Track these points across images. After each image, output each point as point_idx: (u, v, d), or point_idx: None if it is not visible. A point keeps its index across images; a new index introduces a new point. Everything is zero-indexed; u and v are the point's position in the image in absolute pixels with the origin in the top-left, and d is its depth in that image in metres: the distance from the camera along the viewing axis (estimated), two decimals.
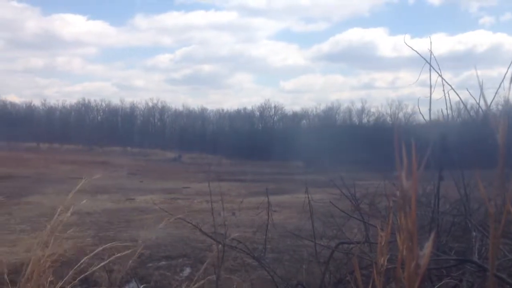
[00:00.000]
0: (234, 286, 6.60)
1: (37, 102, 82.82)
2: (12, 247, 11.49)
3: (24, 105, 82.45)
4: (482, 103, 3.56)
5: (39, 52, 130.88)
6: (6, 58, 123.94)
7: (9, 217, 16.12)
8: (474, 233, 3.84)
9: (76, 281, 2.33)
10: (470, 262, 3.41)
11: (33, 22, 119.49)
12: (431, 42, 3.63)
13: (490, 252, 1.06)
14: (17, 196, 21.09)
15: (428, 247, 1.00)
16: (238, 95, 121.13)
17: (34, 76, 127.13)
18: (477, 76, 2.19)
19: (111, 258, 2.44)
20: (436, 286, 3.33)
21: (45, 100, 79.37)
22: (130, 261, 2.56)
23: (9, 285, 2.28)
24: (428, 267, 1.00)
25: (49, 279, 2.10)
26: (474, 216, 4.28)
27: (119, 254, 2.51)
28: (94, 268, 2.41)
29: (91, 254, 2.55)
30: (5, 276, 2.49)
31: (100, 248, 2.52)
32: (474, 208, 4.52)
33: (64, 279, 2.29)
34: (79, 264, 2.30)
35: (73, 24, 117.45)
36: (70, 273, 2.34)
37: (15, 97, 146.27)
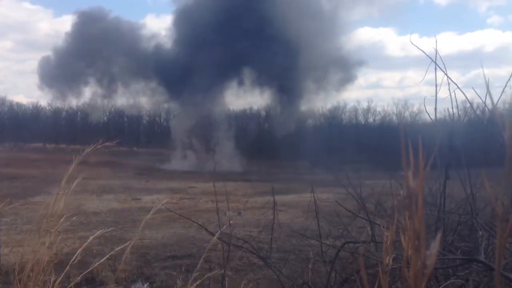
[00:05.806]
0: (242, 285, 6.60)
1: (43, 103, 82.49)
2: (19, 247, 11.55)
3: (30, 106, 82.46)
4: (488, 102, 3.55)
5: (49, 53, 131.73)
6: (17, 59, 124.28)
7: (16, 217, 16.19)
8: (480, 232, 3.82)
9: (79, 277, 2.35)
10: (477, 261, 3.39)
11: (45, 24, 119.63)
12: (436, 41, 3.62)
13: (497, 252, 1.05)
14: (24, 196, 21.19)
15: (434, 247, 0.99)
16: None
17: None
18: (484, 75, 2.18)
19: (112, 252, 2.45)
20: (442, 286, 3.32)
21: (51, 101, 79.09)
22: (128, 253, 2.56)
23: (17, 284, 2.29)
24: (434, 267, 0.99)
25: (52, 278, 2.11)
26: (480, 215, 4.26)
27: (119, 248, 2.51)
28: (97, 263, 2.42)
29: (83, 246, 2.54)
30: (12, 276, 2.50)
31: (98, 233, 2.53)
32: (480, 207, 4.50)
33: (62, 276, 2.30)
34: (75, 256, 2.30)
35: None
36: (67, 268, 2.35)
37: (24, 98, 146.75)
